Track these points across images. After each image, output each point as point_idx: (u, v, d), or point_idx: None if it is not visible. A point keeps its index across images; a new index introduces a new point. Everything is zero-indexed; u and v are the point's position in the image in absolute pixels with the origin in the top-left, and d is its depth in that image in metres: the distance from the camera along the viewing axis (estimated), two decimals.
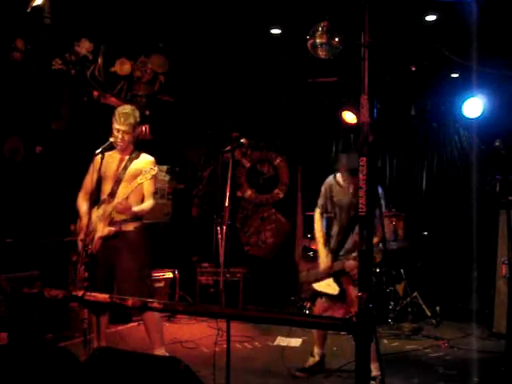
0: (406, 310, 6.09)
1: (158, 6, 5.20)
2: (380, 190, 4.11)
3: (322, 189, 4.41)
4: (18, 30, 5.01)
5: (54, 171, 5.49)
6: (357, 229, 4.09)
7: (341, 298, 4.22)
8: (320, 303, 4.36)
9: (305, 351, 4.85)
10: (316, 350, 4.43)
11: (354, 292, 4.09)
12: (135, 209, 4.04)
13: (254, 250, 7.58)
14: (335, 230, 4.30)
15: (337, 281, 4.19)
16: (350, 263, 4.08)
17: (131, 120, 4.08)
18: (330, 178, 4.38)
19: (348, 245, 4.22)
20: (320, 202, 4.42)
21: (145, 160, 4.18)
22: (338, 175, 4.29)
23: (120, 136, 4.06)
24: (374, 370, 3.82)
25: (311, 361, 4.42)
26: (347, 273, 4.14)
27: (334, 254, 4.25)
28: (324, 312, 4.32)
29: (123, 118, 4.05)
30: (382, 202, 4.22)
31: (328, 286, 4.24)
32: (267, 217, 7.63)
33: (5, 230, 4.86)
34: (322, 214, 4.40)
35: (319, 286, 4.30)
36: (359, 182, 3.99)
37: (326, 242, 4.32)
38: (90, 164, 4.04)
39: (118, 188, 4.06)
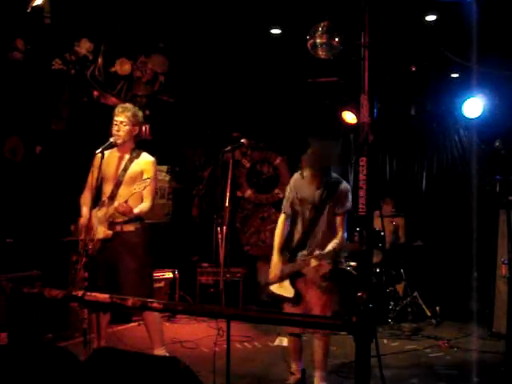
0: (405, 310, 6.09)
1: (158, 6, 5.19)
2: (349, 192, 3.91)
3: (287, 189, 4.05)
4: (18, 29, 5.01)
5: (54, 171, 5.49)
6: (322, 227, 3.83)
7: (296, 301, 3.84)
8: (288, 308, 3.91)
9: (305, 351, 4.85)
10: (293, 367, 4.08)
11: (314, 296, 3.80)
12: (136, 210, 4.03)
13: (254, 250, 7.59)
14: (298, 228, 3.95)
15: (292, 283, 3.85)
16: (309, 268, 3.75)
17: (130, 113, 4.10)
18: (296, 174, 4.06)
19: (311, 245, 3.84)
20: (284, 203, 4.04)
21: (145, 160, 4.17)
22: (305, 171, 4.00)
23: (117, 128, 4.07)
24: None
25: (292, 379, 4.06)
26: (304, 275, 3.82)
27: (292, 254, 3.90)
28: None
29: (122, 110, 4.10)
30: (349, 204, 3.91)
31: (283, 289, 3.89)
32: (267, 217, 7.63)
33: (5, 229, 4.86)
34: (287, 218, 4.00)
35: (275, 288, 3.93)
36: (322, 177, 3.78)
37: (282, 249, 3.96)
38: (91, 164, 4.05)
39: (117, 191, 4.06)
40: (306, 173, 3.96)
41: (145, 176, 4.03)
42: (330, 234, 3.86)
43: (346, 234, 3.92)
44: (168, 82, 6.44)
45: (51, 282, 4.33)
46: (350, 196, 3.91)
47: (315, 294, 3.81)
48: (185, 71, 6.54)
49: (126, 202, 3.93)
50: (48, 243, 5.04)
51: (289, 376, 4.10)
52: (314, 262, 3.73)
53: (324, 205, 3.86)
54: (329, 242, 3.81)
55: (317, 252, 3.74)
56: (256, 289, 6.76)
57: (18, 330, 3.94)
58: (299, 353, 4.09)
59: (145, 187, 3.91)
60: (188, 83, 6.74)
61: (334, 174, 3.95)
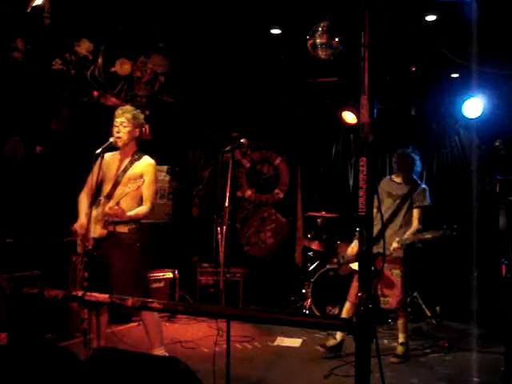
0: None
1: (158, 5, 5.19)
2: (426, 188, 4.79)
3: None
4: (18, 29, 5.01)
5: (54, 171, 5.49)
6: (401, 219, 4.69)
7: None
8: (355, 283, 4.69)
9: (305, 351, 4.86)
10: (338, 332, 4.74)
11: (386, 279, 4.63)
12: (130, 213, 3.97)
13: (253, 250, 7.58)
14: (379, 217, 4.66)
15: None
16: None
17: (129, 115, 4.09)
18: (386, 177, 5.05)
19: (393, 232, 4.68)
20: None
21: (144, 163, 4.16)
22: (394, 175, 4.97)
23: (117, 129, 4.06)
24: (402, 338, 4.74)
25: (332, 342, 4.77)
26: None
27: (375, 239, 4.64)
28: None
29: (122, 111, 4.11)
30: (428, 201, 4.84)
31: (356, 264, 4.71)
32: (267, 217, 7.63)
33: (5, 230, 4.86)
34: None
35: (354, 266, 4.78)
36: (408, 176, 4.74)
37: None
38: (92, 164, 4.04)
39: (114, 190, 4.05)
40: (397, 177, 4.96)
41: (144, 178, 4.01)
42: (406, 225, 4.77)
43: (421, 226, 4.79)
44: (168, 82, 6.43)
45: (51, 282, 4.33)
46: (427, 194, 4.84)
47: (388, 278, 4.55)
48: (185, 71, 6.53)
49: (117, 203, 3.88)
50: (48, 243, 5.04)
51: (329, 339, 4.83)
52: (395, 244, 4.55)
53: (405, 199, 4.74)
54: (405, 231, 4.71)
55: (398, 239, 4.56)
56: (256, 289, 6.77)
57: (18, 330, 3.95)
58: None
59: (138, 187, 3.89)
60: (188, 83, 6.73)
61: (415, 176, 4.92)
